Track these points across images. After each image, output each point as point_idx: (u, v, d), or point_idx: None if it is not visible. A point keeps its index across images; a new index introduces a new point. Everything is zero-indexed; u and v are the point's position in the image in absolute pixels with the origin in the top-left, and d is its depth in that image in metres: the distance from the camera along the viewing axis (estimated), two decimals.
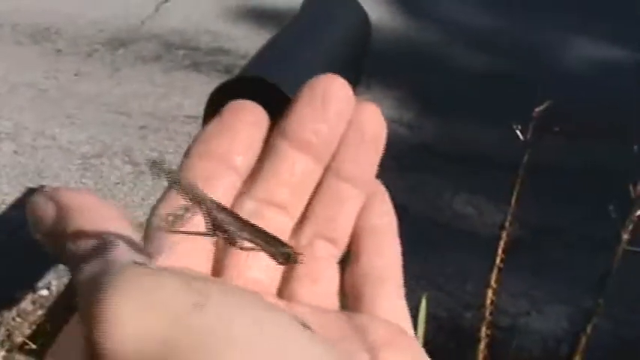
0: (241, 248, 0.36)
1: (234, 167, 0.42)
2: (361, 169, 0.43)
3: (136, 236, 0.33)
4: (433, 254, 2.55)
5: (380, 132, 0.44)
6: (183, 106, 3.25)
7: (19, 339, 2.09)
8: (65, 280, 2.29)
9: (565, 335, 2.16)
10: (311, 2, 0.99)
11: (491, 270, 1.45)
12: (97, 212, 0.34)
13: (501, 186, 1.64)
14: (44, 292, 2.25)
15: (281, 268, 0.42)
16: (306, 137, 0.42)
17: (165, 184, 0.36)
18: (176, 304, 0.27)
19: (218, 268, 0.40)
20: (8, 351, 2.05)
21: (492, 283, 1.44)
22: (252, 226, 0.36)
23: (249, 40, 3.81)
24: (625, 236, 1.37)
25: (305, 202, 0.43)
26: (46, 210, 0.35)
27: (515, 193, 1.40)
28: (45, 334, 2.07)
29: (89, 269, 0.30)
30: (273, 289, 0.42)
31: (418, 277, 2.36)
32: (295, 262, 0.36)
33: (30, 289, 2.25)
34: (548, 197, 2.80)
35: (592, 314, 1.42)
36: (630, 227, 1.37)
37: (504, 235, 1.42)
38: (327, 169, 0.43)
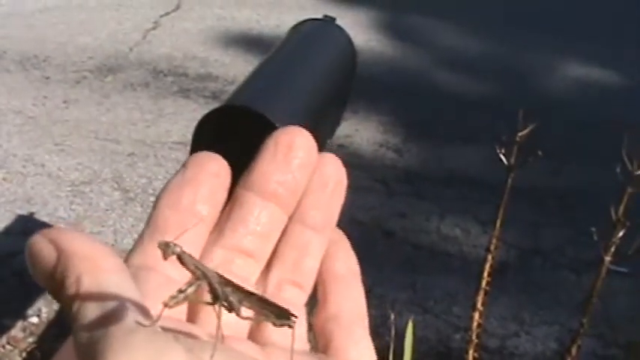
0: (242, 317, 0.38)
1: (200, 217, 0.43)
2: (324, 217, 0.45)
3: (135, 290, 0.34)
4: (420, 277, 2.56)
5: (341, 181, 0.46)
6: (172, 132, 3.26)
7: None
8: (55, 307, 2.30)
9: (553, 356, 2.17)
10: (297, 29, 1.01)
11: (477, 292, 1.46)
12: (98, 261, 0.34)
13: (487, 209, 1.65)
14: (34, 320, 2.25)
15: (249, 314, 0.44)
16: (272, 188, 0.44)
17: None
18: None
19: (193, 312, 0.42)
20: None
21: (479, 305, 1.45)
22: (252, 295, 0.38)
23: (237, 66, 3.83)
24: (607, 258, 1.38)
25: (271, 249, 0.45)
26: (46, 253, 0.34)
27: (499, 216, 1.42)
28: None
29: (90, 324, 0.31)
30: (245, 333, 0.43)
31: (405, 301, 2.37)
32: (291, 325, 0.38)
33: (20, 317, 2.25)
34: (533, 219, 2.82)
35: (577, 334, 1.43)
36: (613, 249, 1.39)
37: (490, 257, 1.43)
38: (291, 218, 0.45)
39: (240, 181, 0.44)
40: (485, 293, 1.45)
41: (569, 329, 2.15)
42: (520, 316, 2.43)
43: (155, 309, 0.33)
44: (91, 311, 0.31)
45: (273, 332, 0.43)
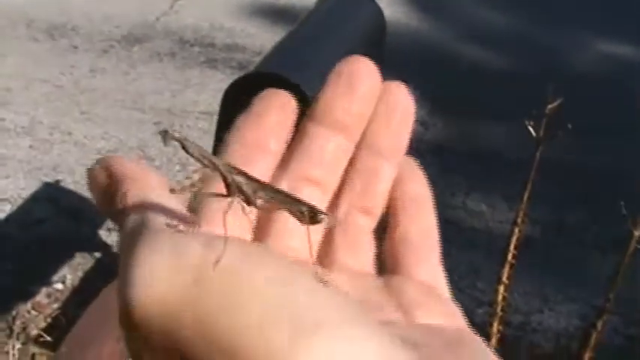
0: (259, 208, 0.38)
1: (267, 151, 0.44)
2: (392, 143, 0.45)
3: (175, 203, 0.36)
4: (446, 251, 2.54)
5: (408, 107, 0.46)
6: (198, 102, 3.26)
7: (34, 332, 2.11)
8: (80, 274, 2.31)
9: (577, 332, 2.16)
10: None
11: (503, 266, 1.45)
12: (142, 180, 0.36)
13: (514, 184, 1.64)
14: (59, 286, 2.27)
15: (320, 237, 0.44)
16: (336, 117, 0.44)
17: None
18: (196, 260, 0.30)
19: (259, 237, 0.43)
20: (23, 344, 2.07)
21: (504, 279, 1.45)
22: (270, 186, 0.38)
23: (264, 37, 3.82)
24: (636, 234, 1.37)
25: (339, 178, 0.45)
26: (100, 177, 0.37)
27: (526, 191, 1.41)
28: (60, 327, 2.09)
29: (129, 231, 0.33)
30: (312, 258, 0.43)
31: None
32: (319, 220, 0.38)
33: (45, 283, 2.27)
34: (560, 195, 2.81)
35: (602, 312, 1.43)
36: None
37: (516, 231, 1.42)
38: (358, 145, 0.45)
39: (305, 114, 0.45)
40: (511, 267, 1.45)
41: (592, 306, 2.14)
42: (544, 292, 2.42)
43: (215, 230, 0.35)
44: (131, 221, 0.34)
45: (343, 256, 0.43)
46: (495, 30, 4.22)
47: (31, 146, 2.89)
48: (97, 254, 2.39)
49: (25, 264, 2.34)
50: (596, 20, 4.39)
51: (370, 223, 0.45)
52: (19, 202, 2.58)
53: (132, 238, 0.32)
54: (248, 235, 0.42)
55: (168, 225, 0.33)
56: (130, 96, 3.29)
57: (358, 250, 0.44)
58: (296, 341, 0.28)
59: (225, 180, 0.37)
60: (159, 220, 0.33)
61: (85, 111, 3.16)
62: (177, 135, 0.36)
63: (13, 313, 2.16)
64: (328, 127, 0.44)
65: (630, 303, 2.27)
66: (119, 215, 0.35)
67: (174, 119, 3.13)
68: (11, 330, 2.10)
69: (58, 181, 2.70)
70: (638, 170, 1.60)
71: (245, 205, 0.37)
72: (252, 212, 0.41)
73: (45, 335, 2.08)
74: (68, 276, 2.30)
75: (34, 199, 2.60)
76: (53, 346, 2.01)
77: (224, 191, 0.37)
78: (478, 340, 0.39)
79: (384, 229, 0.45)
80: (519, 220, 1.42)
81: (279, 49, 0.79)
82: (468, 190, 2.80)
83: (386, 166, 0.45)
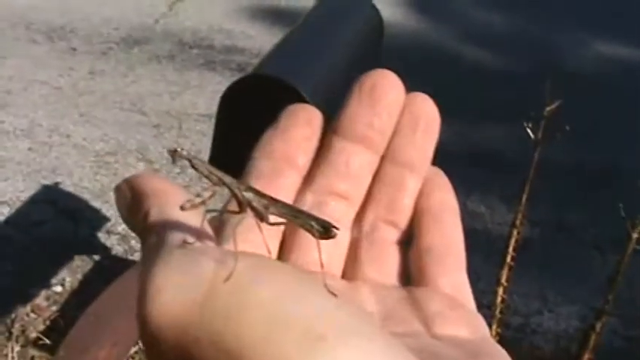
0: (270, 224, 0.38)
1: (294, 165, 0.44)
2: (417, 154, 0.45)
3: (196, 219, 0.36)
4: None
5: (433, 118, 0.46)
6: (197, 104, 3.26)
7: (33, 334, 2.11)
8: (79, 276, 2.31)
9: (576, 334, 2.16)
10: (323, 1, 1.00)
11: (502, 268, 1.45)
12: (165, 197, 0.37)
13: (513, 185, 1.64)
14: (58, 289, 2.27)
15: (345, 251, 0.44)
16: (359, 130, 0.44)
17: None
18: (208, 276, 0.31)
19: (285, 251, 0.43)
20: (22, 346, 2.06)
21: (503, 280, 1.45)
22: (281, 202, 0.39)
23: (263, 39, 3.82)
24: (634, 235, 1.37)
25: (364, 191, 0.45)
26: (126, 194, 0.39)
27: (525, 193, 1.41)
28: (58, 329, 2.09)
29: (148, 248, 0.35)
30: (338, 272, 0.44)
31: None
32: (331, 234, 0.38)
33: (44, 285, 2.27)
34: (558, 197, 2.81)
35: (601, 313, 1.43)
36: None
37: (515, 232, 1.42)
38: (383, 158, 0.45)
39: (330, 127, 0.45)
40: (510, 269, 1.44)
41: (592, 308, 2.14)
42: (543, 293, 2.42)
43: (240, 248, 0.35)
44: (153, 238, 0.35)
45: (368, 269, 0.43)
46: (494, 31, 4.22)
47: (30, 148, 2.89)
48: (96, 257, 2.39)
49: (24, 266, 2.34)
50: (596, 21, 4.39)
51: (396, 235, 0.45)
52: (18, 204, 2.58)
53: (150, 256, 0.33)
54: (274, 250, 0.43)
55: (185, 242, 0.34)
56: (129, 98, 3.29)
57: (383, 263, 0.44)
58: (301, 352, 0.28)
59: (235, 196, 0.37)
60: (177, 237, 0.34)
61: (84, 113, 3.16)
62: (185, 153, 0.37)
63: (12, 315, 2.16)
64: (353, 140, 0.44)
65: (630, 304, 2.27)
66: (142, 232, 0.36)
67: (173, 121, 3.13)
68: (10, 332, 2.10)
69: (57, 184, 2.70)
70: (636, 171, 1.61)
71: (258, 220, 0.38)
72: (279, 228, 0.41)
73: (44, 338, 2.08)
74: (67, 278, 2.30)
75: (33, 201, 2.60)
76: (52, 349, 2.01)
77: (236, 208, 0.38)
78: (501, 351, 0.39)
79: (410, 241, 0.45)
80: (518, 222, 1.42)
81: (277, 52, 0.79)
82: (467, 192, 2.80)
83: (411, 177, 0.45)
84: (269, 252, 0.41)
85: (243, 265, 0.31)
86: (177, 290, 0.31)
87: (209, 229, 0.37)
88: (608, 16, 4.46)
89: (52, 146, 2.92)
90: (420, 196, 0.46)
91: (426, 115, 0.45)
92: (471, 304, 0.44)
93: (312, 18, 0.93)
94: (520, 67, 3.82)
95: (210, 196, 0.36)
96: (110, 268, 2.34)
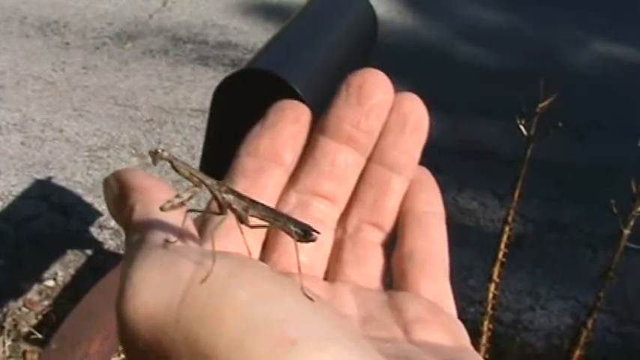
0: (251, 226, 0.38)
1: (280, 162, 0.44)
2: (403, 156, 0.45)
3: (179, 218, 0.36)
4: None
5: (421, 119, 0.45)
6: (190, 99, 3.26)
7: (25, 329, 2.11)
8: (71, 271, 2.31)
9: (568, 331, 2.17)
10: None
11: (494, 264, 1.46)
12: (150, 194, 0.37)
13: (505, 183, 1.64)
14: (50, 283, 2.26)
15: (327, 252, 0.44)
16: (346, 130, 0.43)
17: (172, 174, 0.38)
18: (186, 276, 0.31)
19: (269, 253, 0.43)
20: (14, 340, 2.06)
21: (495, 277, 1.45)
22: (261, 204, 0.38)
23: (257, 34, 3.82)
24: (626, 232, 1.38)
25: (349, 192, 0.45)
26: (113, 188, 0.39)
27: (517, 188, 1.41)
28: (50, 324, 2.08)
29: (130, 245, 0.35)
30: (321, 273, 0.44)
31: None
32: (311, 238, 0.38)
33: (36, 280, 2.26)
34: (551, 193, 2.81)
35: (593, 309, 1.43)
36: (632, 224, 1.38)
37: (507, 229, 1.42)
38: (369, 159, 0.45)
39: (317, 126, 0.44)
40: (502, 265, 1.45)
41: (584, 305, 2.15)
42: (535, 290, 2.42)
43: (222, 247, 0.35)
44: (136, 235, 0.35)
45: (350, 271, 0.43)
46: (489, 27, 4.22)
47: (22, 143, 2.88)
48: (89, 251, 2.39)
49: (16, 261, 2.33)
50: (592, 19, 4.39)
51: (380, 238, 0.45)
52: (10, 199, 2.58)
53: (131, 253, 0.33)
54: (256, 250, 0.42)
55: (167, 241, 0.34)
56: (122, 93, 3.29)
57: (366, 265, 0.44)
58: (273, 357, 0.28)
59: (215, 198, 0.37)
60: (158, 236, 0.34)
61: (77, 108, 3.15)
62: (166, 154, 0.37)
63: (4, 309, 2.16)
64: (339, 140, 0.44)
65: (622, 301, 2.27)
66: (126, 227, 0.36)
67: (166, 116, 3.12)
68: (2, 327, 2.10)
69: (49, 178, 2.69)
70: (628, 169, 1.62)
71: (238, 222, 0.38)
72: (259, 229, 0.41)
73: (36, 332, 2.08)
74: (59, 273, 2.30)
75: (26, 195, 2.60)
76: (44, 343, 2.00)
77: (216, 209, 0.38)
78: (479, 358, 0.39)
79: (394, 244, 0.45)
80: (510, 219, 1.42)
81: (270, 47, 0.79)
82: (460, 188, 2.81)
83: (397, 179, 0.45)
84: (249, 253, 0.40)
85: (220, 267, 0.31)
86: (154, 290, 0.31)
87: (192, 229, 0.37)
88: (606, 14, 4.46)
89: (44, 141, 2.91)
90: (406, 198, 0.45)
91: (415, 116, 0.45)
92: (452, 311, 0.43)
93: (305, 13, 0.93)
94: (514, 64, 3.82)
95: (190, 197, 0.36)
96: (102, 262, 2.34)
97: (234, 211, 0.37)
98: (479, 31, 4.15)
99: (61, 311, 2.09)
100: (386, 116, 0.44)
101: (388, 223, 0.45)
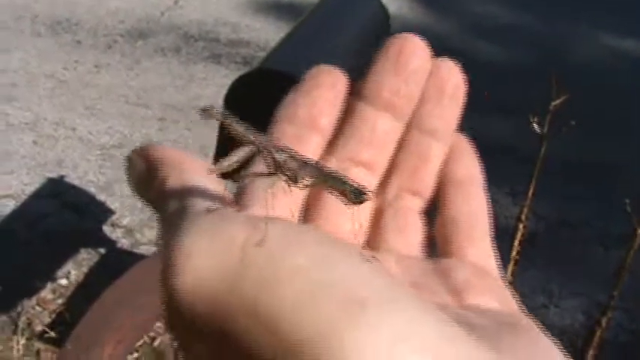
0: (304, 186, 0.37)
1: (318, 129, 0.43)
2: (442, 122, 0.44)
3: (216, 185, 0.35)
4: None
5: (459, 85, 0.45)
6: (202, 97, 3.26)
7: (38, 327, 2.11)
8: (84, 269, 2.31)
9: (581, 329, 2.16)
10: None
11: (507, 262, 1.45)
12: (182, 164, 0.36)
13: (518, 180, 1.64)
14: (64, 282, 2.27)
15: (368, 219, 0.43)
16: (385, 97, 0.43)
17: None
18: (239, 242, 0.30)
19: (308, 218, 0.42)
20: (28, 339, 2.07)
21: (508, 275, 1.44)
22: (315, 164, 0.37)
23: (269, 32, 3.82)
24: None
25: (388, 159, 0.44)
26: (137, 164, 0.37)
27: (531, 187, 1.41)
28: (64, 322, 2.09)
29: (169, 215, 0.33)
30: (360, 241, 0.43)
31: None
32: (364, 199, 0.37)
33: (50, 279, 2.27)
34: (563, 191, 2.80)
35: (606, 308, 1.42)
36: None
37: (521, 227, 1.42)
38: (408, 125, 0.44)
39: (355, 92, 0.43)
40: (515, 263, 1.44)
41: (597, 302, 2.14)
42: (548, 288, 2.42)
43: (260, 212, 0.35)
44: (171, 206, 0.34)
45: (392, 239, 0.43)
46: (500, 24, 4.21)
47: (35, 142, 2.89)
48: (102, 250, 2.40)
49: (29, 260, 2.34)
50: (603, 14, 4.38)
51: (419, 205, 0.44)
52: (23, 197, 2.58)
53: (173, 223, 0.32)
54: (295, 216, 0.41)
55: (209, 208, 0.32)
56: (134, 91, 3.29)
57: (407, 233, 0.43)
58: (343, 317, 0.27)
59: (268, 158, 0.36)
60: (200, 203, 0.33)
61: (89, 106, 3.16)
62: (219, 112, 0.35)
63: (18, 308, 2.16)
64: (377, 106, 0.43)
65: (635, 298, 2.26)
66: (158, 200, 0.35)
67: (178, 114, 3.13)
68: (16, 325, 2.10)
69: (62, 177, 2.70)
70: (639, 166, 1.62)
71: (289, 183, 0.36)
72: (300, 192, 0.40)
73: (49, 331, 2.08)
74: (73, 271, 2.30)
75: (38, 194, 2.60)
76: (58, 342, 2.01)
77: (265, 170, 0.36)
78: (531, 323, 0.38)
79: (433, 210, 0.44)
80: (524, 216, 1.42)
81: (283, 46, 0.79)
82: None
83: (436, 146, 0.44)
84: (301, 216, 0.40)
85: (275, 230, 0.30)
86: (207, 256, 0.30)
87: (229, 195, 0.36)
88: (616, 11, 4.45)
89: (57, 139, 2.92)
90: (445, 164, 0.45)
91: (453, 82, 0.44)
92: (498, 274, 0.43)
93: (318, 12, 0.93)
94: (527, 60, 3.82)
95: (242, 157, 0.35)
96: (115, 261, 2.35)
97: (287, 171, 0.36)
98: (490, 28, 4.14)
99: (74, 310, 2.10)
100: (424, 82, 0.43)
101: (427, 190, 0.44)
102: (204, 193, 0.34)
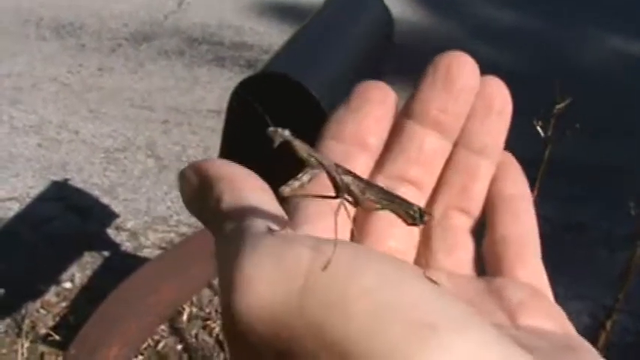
0: (366, 208, 0.37)
1: (366, 147, 0.43)
2: (490, 140, 0.44)
3: (274, 205, 0.35)
4: None
5: (506, 104, 0.45)
6: (206, 100, 3.26)
7: (42, 330, 2.11)
8: (88, 272, 2.31)
9: (587, 331, 2.16)
10: None
11: None
12: (237, 182, 0.35)
13: None
14: (68, 285, 2.27)
15: (417, 238, 0.43)
16: (433, 115, 0.42)
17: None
18: (304, 266, 0.29)
19: (358, 238, 0.41)
20: (32, 342, 2.07)
21: None
22: (376, 187, 0.37)
23: (272, 35, 3.82)
24: None
25: (436, 177, 0.44)
26: (192, 180, 0.36)
27: (536, 189, 1.40)
28: (68, 325, 2.09)
29: (228, 235, 0.33)
30: (411, 259, 0.42)
31: None
32: (424, 222, 0.37)
33: (54, 282, 2.27)
34: (568, 194, 2.80)
35: (611, 310, 1.42)
36: None
37: None
38: (456, 143, 0.44)
39: (403, 109, 0.43)
40: None
41: (602, 305, 2.14)
42: (553, 290, 2.40)
43: (314, 232, 0.34)
44: (228, 225, 0.33)
45: (442, 258, 0.42)
46: (504, 27, 4.21)
47: (39, 145, 2.89)
48: (106, 253, 2.40)
49: (33, 262, 2.34)
50: (608, 17, 4.38)
51: (468, 223, 0.44)
52: (28, 201, 2.59)
53: (233, 243, 0.32)
54: (347, 236, 0.41)
55: (270, 229, 0.32)
56: (138, 94, 3.30)
57: (456, 251, 0.43)
58: (414, 339, 0.27)
59: (333, 180, 0.36)
60: (259, 224, 0.32)
61: (94, 109, 3.16)
62: (286, 134, 0.35)
63: (22, 312, 2.16)
64: (426, 125, 0.43)
65: None
66: (213, 218, 0.35)
67: (182, 117, 3.13)
68: (20, 328, 2.10)
69: (66, 180, 2.70)
70: None
71: (351, 205, 0.36)
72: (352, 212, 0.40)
73: (53, 334, 2.08)
74: (77, 275, 2.30)
75: (43, 197, 2.60)
76: (62, 345, 2.01)
77: (329, 192, 0.36)
78: (587, 345, 0.38)
79: (482, 229, 0.44)
80: None
81: (287, 49, 0.78)
82: None
83: (484, 164, 0.44)
84: (351, 237, 0.40)
85: (341, 253, 0.29)
86: (270, 280, 0.29)
87: (285, 214, 0.36)
88: (620, 14, 4.44)
89: (61, 142, 2.92)
90: (493, 182, 0.44)
91: (500, 100, 0.45)
92: (549, 293, 0.43)
93: (321, 15, 0.93)
94: (531, 64, 3.81)
95: (309, 180, 0.35)
96: (119, 264, 2.35)
97: (351, 193, 0.36)
98: (493, 31, 4.14)
99: (78, 313, 2.10)
100: (472, 100, 0.43)
101: (476, 209, 0.44)
102: (262, 213, 0.34)
